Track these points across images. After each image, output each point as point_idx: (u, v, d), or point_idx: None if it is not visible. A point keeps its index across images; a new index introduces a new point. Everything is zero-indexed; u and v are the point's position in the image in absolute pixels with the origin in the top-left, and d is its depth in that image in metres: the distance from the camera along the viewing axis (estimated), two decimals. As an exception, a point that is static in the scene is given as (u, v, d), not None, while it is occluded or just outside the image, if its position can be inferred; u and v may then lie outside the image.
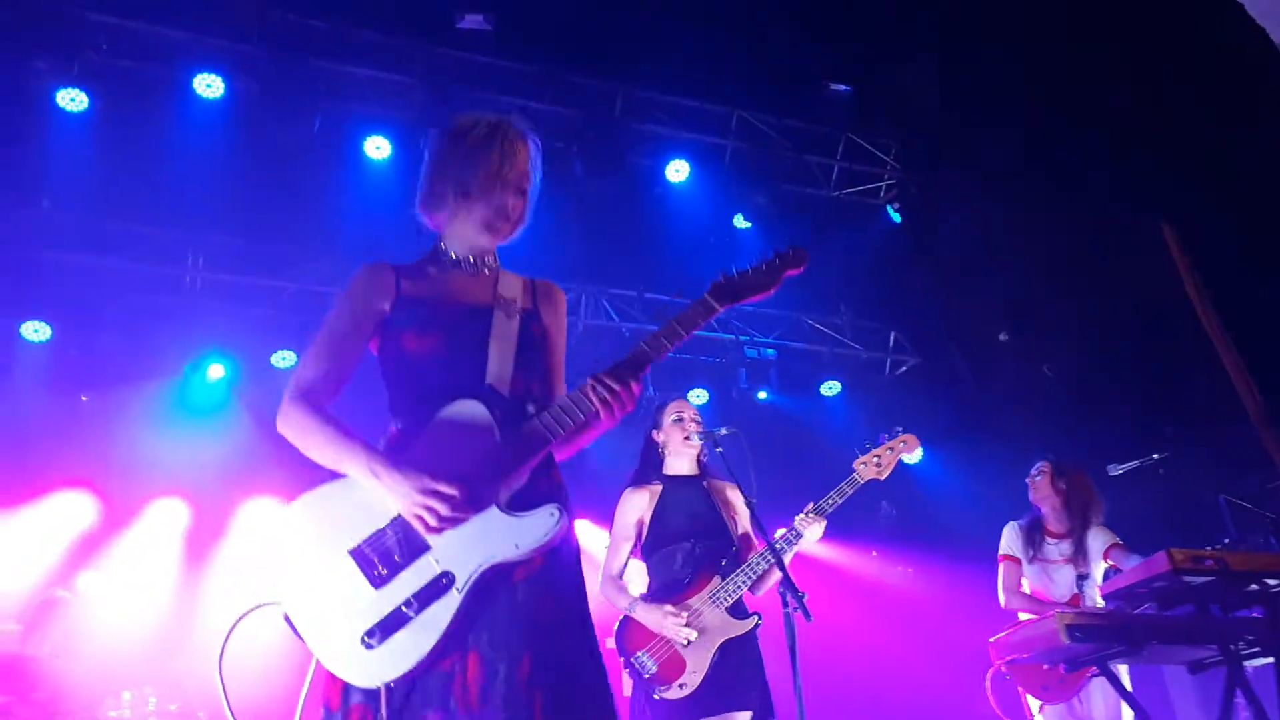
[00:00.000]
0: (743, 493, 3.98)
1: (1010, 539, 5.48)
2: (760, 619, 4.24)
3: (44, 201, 7.19)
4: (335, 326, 2.58)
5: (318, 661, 2.38)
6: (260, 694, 4.72)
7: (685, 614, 4.14)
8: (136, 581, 7.53)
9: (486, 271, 2.71)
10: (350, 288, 2.64)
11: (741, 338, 9.06)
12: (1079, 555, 5.30)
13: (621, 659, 4.18)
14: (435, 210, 2.71)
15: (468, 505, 2.39)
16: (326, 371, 2.53)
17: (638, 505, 4.51)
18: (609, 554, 4.50)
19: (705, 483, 4.58)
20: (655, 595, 4.31)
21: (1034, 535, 5.43)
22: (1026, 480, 5.59)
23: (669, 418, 4.68)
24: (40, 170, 7.01)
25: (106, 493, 7.62)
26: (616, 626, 4.28)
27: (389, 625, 2.35)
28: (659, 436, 4.67)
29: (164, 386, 7.68)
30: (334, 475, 2.49)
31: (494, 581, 2.40)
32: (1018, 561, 5.40)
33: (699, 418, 4.69)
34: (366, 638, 2.33)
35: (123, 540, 7.64)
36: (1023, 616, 5.17)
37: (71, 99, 6.88)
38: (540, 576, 2.41)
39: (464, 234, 2.69)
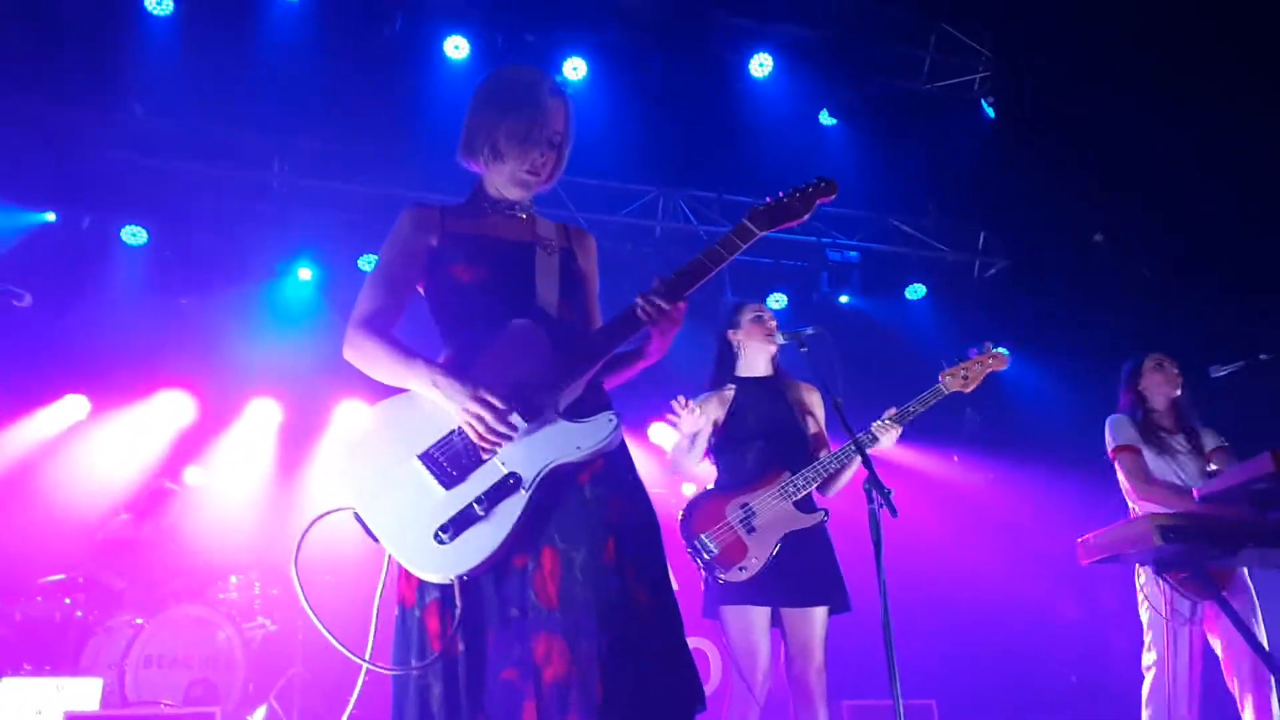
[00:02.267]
0: (827, 394, 3.85)
1: (1124, 430, 5.08)
2: (827, 514, 4.27)
3: (136, 108, 7.35)
4: (388, 261, 2.71)
5: (392, 560, 2.46)
6: (339, 593, 4.95)
7: (697, 409, 4.14)
8: (238, 476, 7.87)
9: (523, 216, 2.80)
10: (397, 228, 2.74)
11: (823, 240, 8.83)
12: (1196, 450, 5.02)
13: (685, 542, 4.22)
14: (472, 160, 2.78)
15: (521, 414, 2.47)
16: (384, 303, 2.65)
17: (710, 409, 4.45)
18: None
19: (781, 384, 4.53)
20: (723, 487, 4.34)
21: (1151, 427, 5.07)
22: (1143, 369, 5.17)
23: (747, 316, 4.58)
24: (131, 76, 7.16)
25: (205, 392, 7.93)
26: (681, 513, 4.29)
27: (461, 522, 2.42)
28: (735, 337, 4.57)
29: (256, 289, 7.91)
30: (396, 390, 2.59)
31: (560, 482, 2.46)
32: (1138, 451, 5.01)
33: (774, 318, 4.63)
34: (441, 533, 2.41)
35: (224, 438, 7.97)
36: (1136, 511, 4.99)
37: (158, 3, 6.97)
38: (604, 475, 2.49)
39: (498, 184, 2.77)
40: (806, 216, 2.67)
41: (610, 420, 2.49)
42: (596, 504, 2.45)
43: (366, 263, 7.90)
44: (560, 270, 2.71)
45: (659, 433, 8.30)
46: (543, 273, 2.68)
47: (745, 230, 2.63)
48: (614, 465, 2.51)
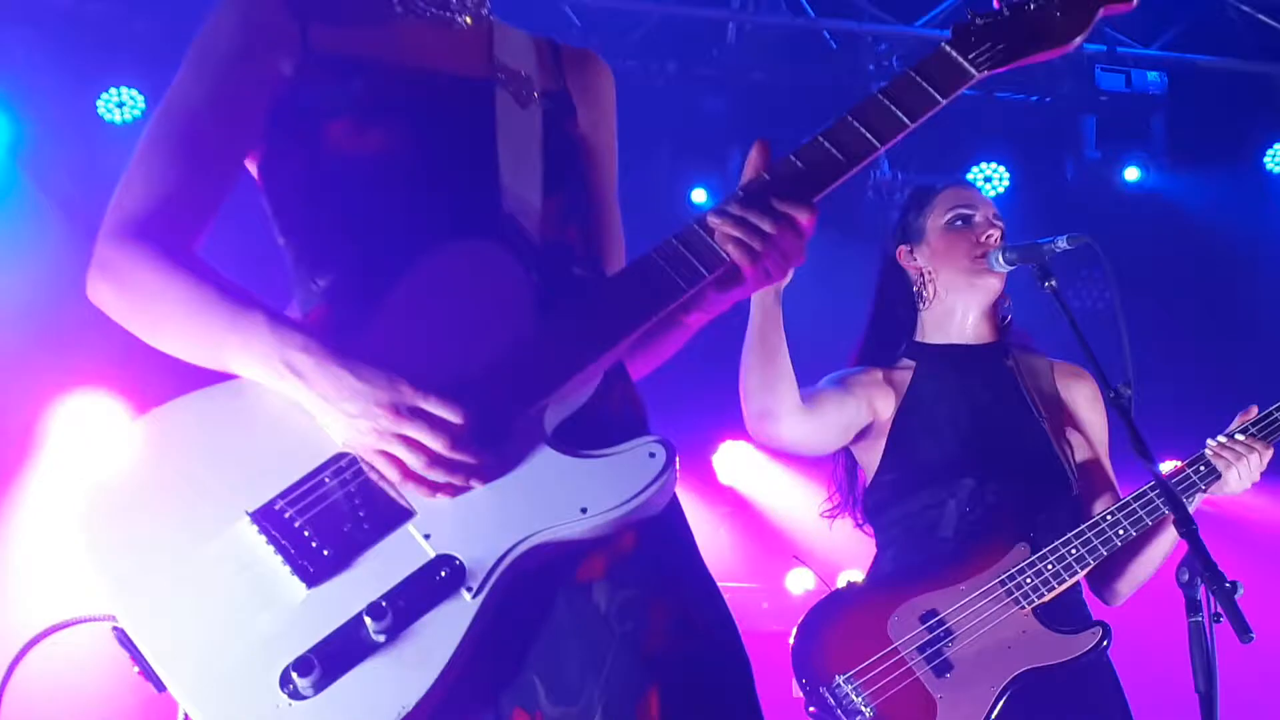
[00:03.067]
0: (1105, 382, 2.12)
1: None
2: (1108, 636, 2.29)
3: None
4: (191, 106, 1.43)
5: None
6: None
7: None
8: None
9: (466, 21, 1.54)
10: (211, 34, 1.46)
11: (1089, 48, 4.72)
12: None
13: (801, 683, 2.30)
14: None
15: (483, 439, 1.27)
16: (180, 192, 1.40)
17: (861, 407, 2.45)
18: None
19: (1010, 360, 2.53)
20: (886, 576, 2.44)
21: None
22: None
23: (938, 217, 2.54)
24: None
25: None
26: (795, 631, 2.36)
27: (335, 655, 1.22)
28: (912, 261, 2.58)
29: None
30: (216, 377, 1.36)
31: (546, 576, 1.29)
32: None
33: (999, 219, 2.55)
34: (292, 678, 1.21)
35: None
36: None
37: None
38: (636, 564, 1.30)
39: None
40: (1079, 39, 1.38)
41: (652, 455, 1.28)
42: (621, 621, 1.27)
43: (126, 108, 4.87)
44: (544, 138, 1.48)
45: (733, 459, 5.24)
46: (510, 143, 1.45)
47: (949, 65, 1.35)
48: (655, 544, 1.32)
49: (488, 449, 1.26)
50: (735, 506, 5.31)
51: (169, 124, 1.43)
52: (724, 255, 1.32)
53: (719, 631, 1.31)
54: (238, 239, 1.70)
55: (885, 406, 2.48)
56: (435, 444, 1.23)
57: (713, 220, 1.33)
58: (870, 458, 2.51)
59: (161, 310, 1.34)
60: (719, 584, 1.35)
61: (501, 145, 1.43)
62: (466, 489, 1.26)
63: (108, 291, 1.37)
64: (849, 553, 2.70)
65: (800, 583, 4.73)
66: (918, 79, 1.36)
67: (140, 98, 4.92)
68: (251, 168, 1.50)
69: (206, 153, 1.42)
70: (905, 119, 1.35)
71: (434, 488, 1.25)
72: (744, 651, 1.31)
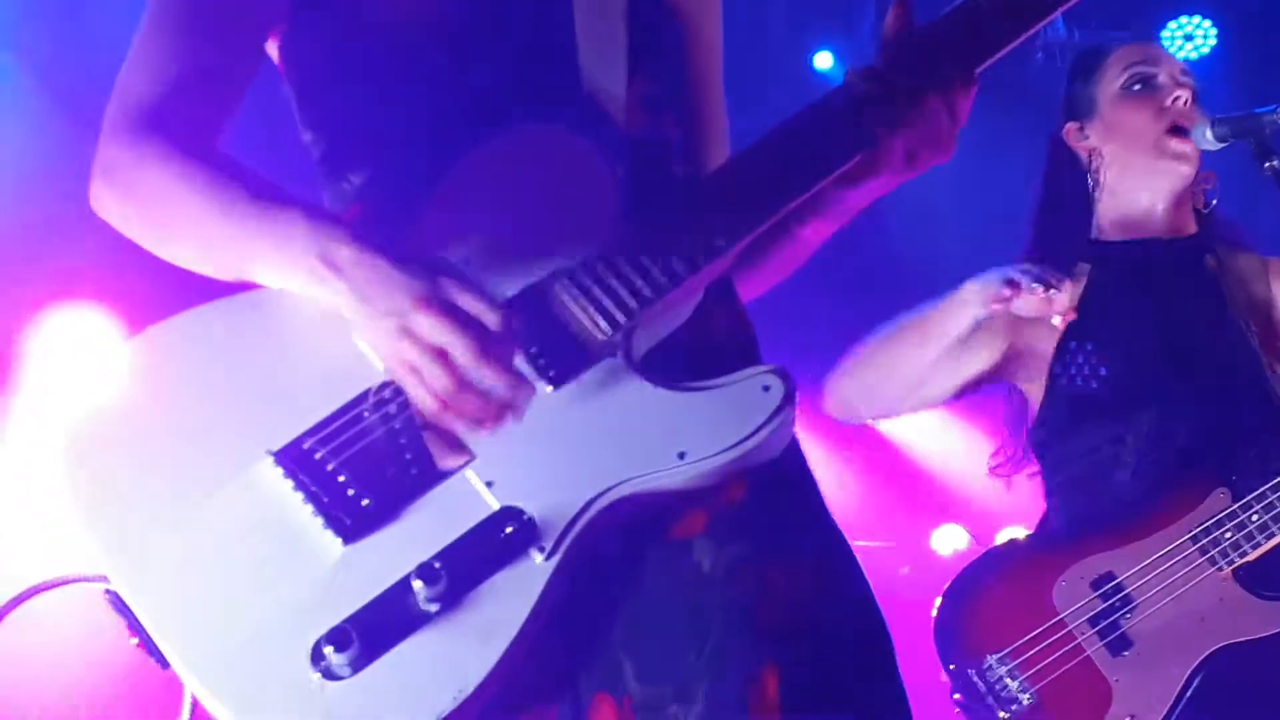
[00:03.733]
0: None
1: None
2: None
3: None
4: None
5: (197, 703, 1.05)
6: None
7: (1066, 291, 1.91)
8: None
9: None
10: None
11: None
12: None
13: (945, 664, 2.00)
14: None
15: (542, 361, 1.07)
16: (196, 75, 1.17)
17: (997, 341, 2.11)
18: None
19: (1212, 258, 2.15)
20: (1052, 531, 2.11)
21: None
22: None
23: (1111, 82, 2.16)
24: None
25: None
26: (940, 600, 2.05)
27: (377, 627, 1.01)
28: (1083, 140, 2.21)
29: None
30: (228, 289, 1.13)
31: (636, 533, 1.08)
32: None
33: (1188, 76, 2.18)
34: (325, 654, 1.00)
35: None
36: None
37: None
38: (747, 519, 1.09)
39: None
40: None
41: (766, 388, 1.05)
42: (728, 584, 1.06)
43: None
44: (630, 5, 1.22)
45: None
46: (588, 9, 1.20)
47: None
48: (770, 494, 1.10)
49: (551, 373, 1.04)
50: (868, 449, 4.48)
51: (175, 4, 1.19)
52: (868, 135, 1.08)
53: (852, 600, 1.10)
54: (256, 140, 1.44)
55: (1054, 319, 2.00)
56: (460, 348, 0.97)
57: (857, 79, 1.08)
58: (1034, 389, 2.14)
59: (176, 212, 1.10)
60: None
61: (579, 11, 1.19)
62: (501, 421, 1.01)
63: (112, 199, 1.14)
64: (1015, 505, 2.28)
65: (949, 542, 4.07)
66: None
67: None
68: (272, 49, 1.26)
69: (226, 25, 1.19)
70: None
71: (472, 418, 1.00)
72: (884, 623, 1.11)
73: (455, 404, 1.00)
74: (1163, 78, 2.14)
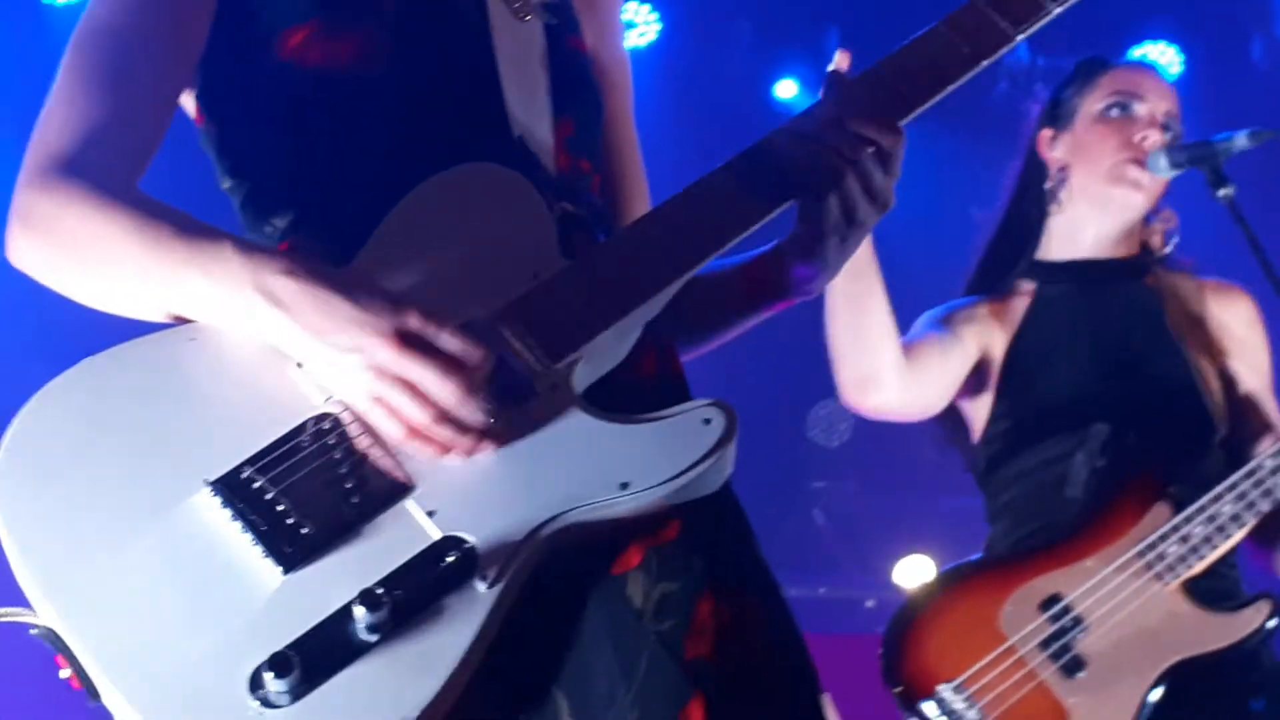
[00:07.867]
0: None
1: None
2: (1278, 611, 1.90)
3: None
4: (117, 25, 1.18)
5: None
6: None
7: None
8: None
9: None
10: None
11: None
12: None
13: (895, 696, 1.93)
14: None
15: (501, 396, 1.05)
16: (112, 128, 1.15)
17: (969, 351, 2.07)
18: None
19: (1150, 279, 2.14)
20: (1010, 557, 2.05)
21: None
22: None
23: (1094, 100, 2.12)
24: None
25: None
26: (886, 632, 1.99)
27: (318, 654, 1.00)
28: (1052, 151, 2.18)
29: None
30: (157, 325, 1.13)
31: (570, 566, 1.07)
32: None
33: (1172, 121, 2.12)
34: (262, 682, 0.98)
35: None
36: None
37: None
38: (681, 554, 1.08)
39: None
40: None
41: (708, 420, 1.06)
42: (658, 620, 1.06)
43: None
44: (551, 56, 1.25)
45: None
46: (511, 59, 1.21)
47: None
48: (704, 529, 1.11)
49: (507, 407, 1.04)
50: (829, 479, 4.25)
51: (94, 44, 1.18)
52: (801, 181, 1.09)
53: (777, 634, 1.11)
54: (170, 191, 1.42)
55: (998, 343, 2.06)
56: (445, 390, 0.99)
57: (779, 140, 1.10)
58: (979, 407, 2.13)
59: (101, 250, 1.08)
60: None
61: (502, 61, 1.20)
62: (479, 450, 1.03)
63: (31, 245, 1.12)
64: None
65: (916, 574, 3.75)
66: None
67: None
68: (188, 99, 1.25)
69: (141, 77, 1.17)
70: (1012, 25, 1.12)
71: (444, 446, 1.02)
72: (809, 658, 1.12)
73: (429, 434, 1.01)
74: (1142, 111, 2.11)
